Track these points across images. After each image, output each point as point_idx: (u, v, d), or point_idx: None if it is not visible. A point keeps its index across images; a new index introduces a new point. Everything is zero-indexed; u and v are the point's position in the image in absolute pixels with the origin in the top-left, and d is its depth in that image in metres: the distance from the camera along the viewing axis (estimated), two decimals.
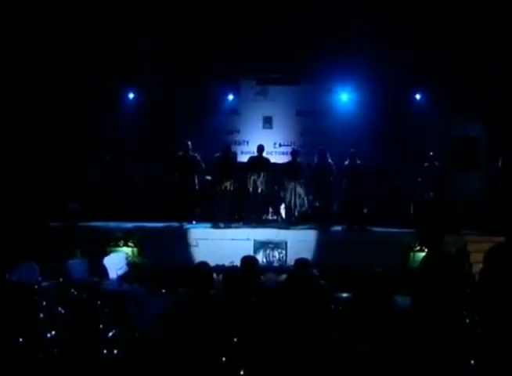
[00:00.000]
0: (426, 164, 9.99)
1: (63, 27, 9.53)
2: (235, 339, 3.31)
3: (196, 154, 9.58)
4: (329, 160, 9.53)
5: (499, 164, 9.77)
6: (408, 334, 3.40)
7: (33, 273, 4.45)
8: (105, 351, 3.32)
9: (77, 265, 4.50)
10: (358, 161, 9.58)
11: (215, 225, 9.33)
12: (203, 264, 3.99)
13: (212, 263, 8.07)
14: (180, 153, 9.61)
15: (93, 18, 9.70)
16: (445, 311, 3.61)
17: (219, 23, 10.10)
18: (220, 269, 8.17)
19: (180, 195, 9.54)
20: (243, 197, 9.66)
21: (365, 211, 9.77)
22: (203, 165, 9.61)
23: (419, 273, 3.94)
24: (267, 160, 9.82)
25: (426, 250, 6.05)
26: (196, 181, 9.65)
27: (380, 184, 10.44)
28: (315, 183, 9.58)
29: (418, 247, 8.22)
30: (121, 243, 8.63)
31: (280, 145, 11.71)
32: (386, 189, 10.48)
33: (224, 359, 3.14)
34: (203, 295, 3.69)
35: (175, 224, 9.34)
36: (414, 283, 3.87)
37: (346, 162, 9.57)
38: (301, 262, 4.85)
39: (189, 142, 9.60)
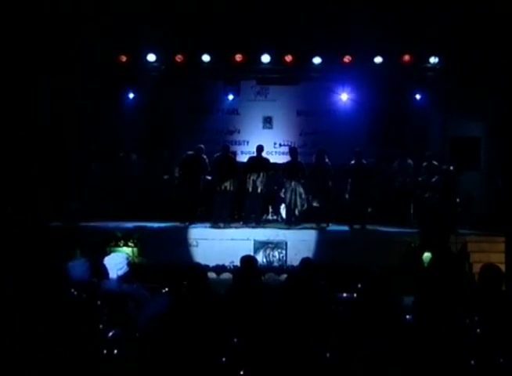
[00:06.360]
0: (424, 164, 10.10)
1: (62, 23, 9.54)
2: (235, 339, 3.31)
3: (205, 156, 9.66)
4: (327, 161, 9.55)
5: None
6: (410, 334, 3.41)
7: None
8: (105, 351, 3.32)
9: (77, 266, 4.44)
10: (364, 161, 9.59)
11: (215, 225, 9.32)
12: (197, 265, 4.02)
13: (212, 263, 8.19)
14: (190, 152, 9.66)
15: (92, 16, 9.71)
16: (448, 311, 3.61)
17: (220, 23, 10.09)
18: (220, 269, 8.23)
19: (185, 194, 9.57)
20: (243, 196, 9.66)
21: (369, 210, 9.78)
22: (209, 168, 9.68)
23: (427, 274, 3.92)
24: (266, 160, 9.82)
25: (430, 250, 6.03)
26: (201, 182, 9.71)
27: (380, 184, 10.43)
28: (313, 183, 9.59)
29: (418, 247, 8.21)
30: (121, 243, 8.63)
31: (280, 145, 11.70)
32: (386, 189, 10.47)
33: (224, 359, 3.14)
34: (200, 296, 3.70)
35: (177, 224, 9.35)
36: (421, 283, 3.86)
37: (352, 162, 9.57)
38: (307, 262, 4.83)
39: (203, 146, 9.73)
